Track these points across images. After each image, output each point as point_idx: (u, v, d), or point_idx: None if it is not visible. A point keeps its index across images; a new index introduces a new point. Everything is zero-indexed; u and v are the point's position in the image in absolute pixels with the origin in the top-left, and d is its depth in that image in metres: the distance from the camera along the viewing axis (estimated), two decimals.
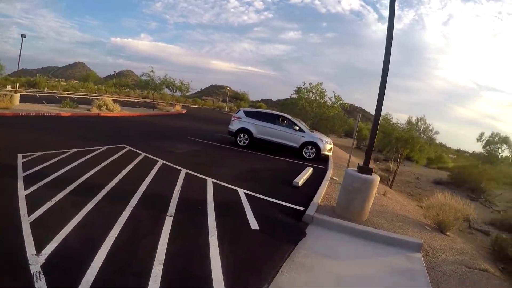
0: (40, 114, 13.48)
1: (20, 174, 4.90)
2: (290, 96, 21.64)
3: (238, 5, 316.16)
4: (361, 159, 18.79)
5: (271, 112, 12.68)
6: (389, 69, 4.82)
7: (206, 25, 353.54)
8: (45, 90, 40.14)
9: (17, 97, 16.25)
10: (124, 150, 7.64)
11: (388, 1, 4.77)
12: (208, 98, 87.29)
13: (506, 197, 15.85)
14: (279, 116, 11.45)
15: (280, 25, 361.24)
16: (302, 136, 10.66)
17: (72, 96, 33.26)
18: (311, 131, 11.36)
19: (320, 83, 20.07)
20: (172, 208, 4.24)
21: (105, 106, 17.85)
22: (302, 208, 5.02)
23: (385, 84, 4.86)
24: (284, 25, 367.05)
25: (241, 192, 5.45)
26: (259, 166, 8.18)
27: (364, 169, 4.90)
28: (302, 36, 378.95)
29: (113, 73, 57.22)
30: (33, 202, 3.82)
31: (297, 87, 20.50)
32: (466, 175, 16.88)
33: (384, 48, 4.83)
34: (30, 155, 6.11)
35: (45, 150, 6.70)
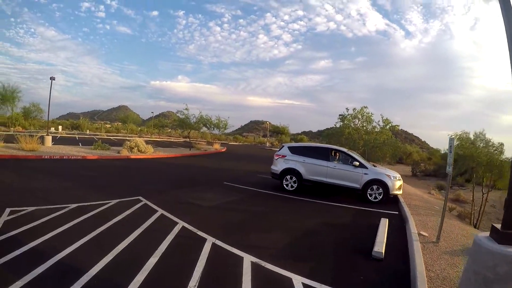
0: (65, 157, 12.80)
1: None
2: (334, 125, 19.67)
3: (267, 40, 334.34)
4: (423, 190, 15.28)
5: (322, 146, 10.17)
6: None
7: (239, 62, 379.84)
8: (87, 132, 42.87)
9: (48, 139, 16.33)
10: (137, 206, 5.93)
11: None
12: (248, 134, 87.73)
13: None
14: (332, 150, 9.27)
15: (310, 55, 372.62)
16: (365, 174, 8.35)
17: (112, 137, 34.64)
18: (374, 166, 9.07)
19: (365, 107, 18.04)
20: None
21: (136, 148, 16.95)
22: None
23: None
24: (314, 55, 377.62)
25: (298, 282, 3.26)
26: (316, 223, 5.86)
27: (509, 236, 2.50)
28: (333, 63, 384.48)
29: (152, 114, 60.37)
30: None
31: (340, 115, 18.58)
32: None
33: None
34: (20, 211, 5.04)
35: (41, 204, 5.57)
